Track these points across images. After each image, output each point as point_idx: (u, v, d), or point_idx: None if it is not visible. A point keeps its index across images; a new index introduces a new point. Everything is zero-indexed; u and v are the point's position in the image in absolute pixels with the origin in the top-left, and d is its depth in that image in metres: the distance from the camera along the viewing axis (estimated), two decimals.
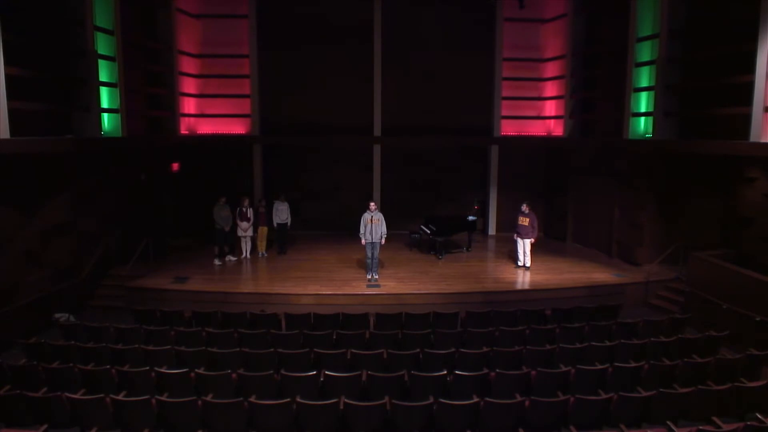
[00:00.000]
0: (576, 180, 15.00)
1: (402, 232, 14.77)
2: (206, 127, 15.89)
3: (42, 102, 10.15)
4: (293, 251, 14.00)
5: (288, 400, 5.83)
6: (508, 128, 16.35)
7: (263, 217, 13.42)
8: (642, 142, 12.36)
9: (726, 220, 11.51)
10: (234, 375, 6.56)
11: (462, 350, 7.20)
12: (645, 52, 12.37)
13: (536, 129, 16.41)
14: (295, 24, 15.77)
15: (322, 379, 6.51)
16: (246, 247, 13.17)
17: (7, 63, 8.78)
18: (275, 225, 13.51)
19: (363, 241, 11.43)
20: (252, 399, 5.88)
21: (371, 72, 15.77)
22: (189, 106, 15.42)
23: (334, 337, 7.94)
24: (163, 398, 5.91)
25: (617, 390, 6.14)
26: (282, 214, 13.47)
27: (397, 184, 16.28)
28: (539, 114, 16.42)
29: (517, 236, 12.43)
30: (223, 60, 15.69)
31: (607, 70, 13.98)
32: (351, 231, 12.94)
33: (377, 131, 15.96)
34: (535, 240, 12.42)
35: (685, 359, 7.01)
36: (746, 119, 9.83)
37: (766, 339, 8.02)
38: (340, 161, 16.39)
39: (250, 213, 13.01)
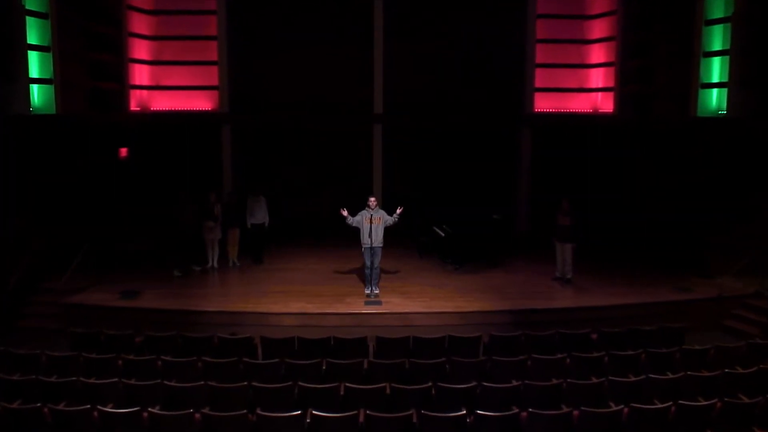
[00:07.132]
0: (626, 167, 14.96)
1: (409, 234, 14.72)
2: (163, 102, 15.94)
3: None
4: (272, 259, 14.02)
5: None
6: (543, 103, 16.33)
7: (234, 217, 13.43)
8: (713, 120, 12.32)
9: None
10: (197, 415, 6.56)
11: (485, 384, 7.20)
12: (718, 6, 12.33)
13: (579, 104, 16.40)
14: None
15: (308, 420, 6.50)
16: (213, 254, 13.19)
17: None
18: (249, 226, 13.52)
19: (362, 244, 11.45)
20: None
21: (371, 35, 15.75)
22: (141, 75, 15.47)
23: (324, 367, 7.96)
24: None
25: None
26: (258, 212, 13.47)
27: (403, 175, 16.25)
28: (582, 86, 16.40)
29: (556, 240, 12.42)
30: (184, 18, 15.75)
31: (669, 29, 13.94)
32: (345, 234, 12.89)
33: (378, 108, 15.95)
34: (579, 244, 12.37)
35: None
36: None
37: None
38: (331, 146, 16.39)
39: (217, 210, 13.01)
